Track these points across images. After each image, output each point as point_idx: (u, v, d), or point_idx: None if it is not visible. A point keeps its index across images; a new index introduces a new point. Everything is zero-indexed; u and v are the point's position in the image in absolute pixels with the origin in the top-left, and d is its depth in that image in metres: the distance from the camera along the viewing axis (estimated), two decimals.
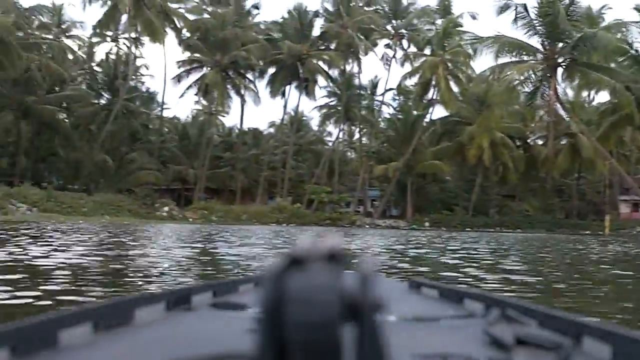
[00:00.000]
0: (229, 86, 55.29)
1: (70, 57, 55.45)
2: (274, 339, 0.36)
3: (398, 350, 0.56)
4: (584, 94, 47.94)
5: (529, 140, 52.56)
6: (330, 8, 56.47)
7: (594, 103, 51.25)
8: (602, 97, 52.14)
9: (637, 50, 43.30)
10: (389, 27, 57.58)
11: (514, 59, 45.41)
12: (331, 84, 57.04)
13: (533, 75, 45.18)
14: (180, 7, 55.21)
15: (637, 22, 42.20)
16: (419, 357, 0.67)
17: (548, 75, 44.20)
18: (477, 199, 49.01)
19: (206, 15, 56.46)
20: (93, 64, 56.70)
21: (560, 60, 43.72)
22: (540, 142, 52.61)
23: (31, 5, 49.76)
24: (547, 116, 48.30)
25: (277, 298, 0.37)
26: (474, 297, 1.14)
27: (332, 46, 56.68)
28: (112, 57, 54.57)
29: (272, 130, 63.69)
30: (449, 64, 51.01)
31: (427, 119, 53.50)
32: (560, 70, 44.13)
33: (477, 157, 47.32)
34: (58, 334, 0.75)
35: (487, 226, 45.59)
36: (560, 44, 43.76)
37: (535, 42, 45.02)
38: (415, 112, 53.24)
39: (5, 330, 0.69)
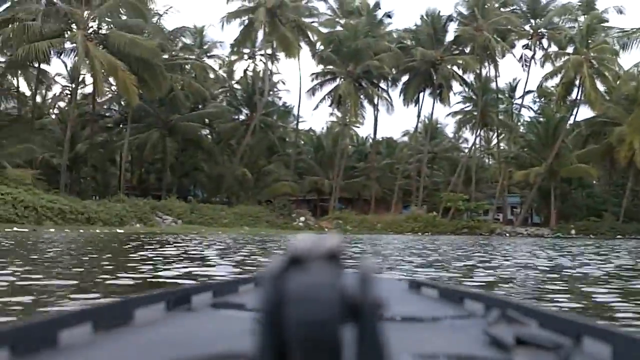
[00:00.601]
0: (362, 96, 58.07)
1: (212, 75, 60.83)
2: (274, 338, 0.38)
3: (398, 350, 0.58)
4: None
5: None
6: (465, 11, 57.57)
7: None
8: None
9: None
10: (527, 27, 57.75)
11: None
12: (466, 89, 58.03)
13: None
14: (313, 22, 58.86)
15: None
16: (419, 357, 0.68)
17: None
18: (628, 204, 47.65)
19: (339, 28, 59.50)
20: (232, 82, 61.83)
21: None
22: None
23: (175, 27, 54.92)
24: None
25: (277, 297, 0.38)
26: (474, 297, 1.20)
27: (467, 50, 57.63)
28: (250, 73, 59.25)
29: (405, 138, 65.83)
30: (594, 62, 50.19)
31: (570, 121, 52.87)
32: None
33: (628, 159, 46.17)
34: (58, 334, 0.77)
35: (638, 233, 44.26)
36: None
37: None
38: (557, 114, 52.73)
39: (5, 330, 0.72)
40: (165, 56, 50.71)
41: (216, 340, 0.82)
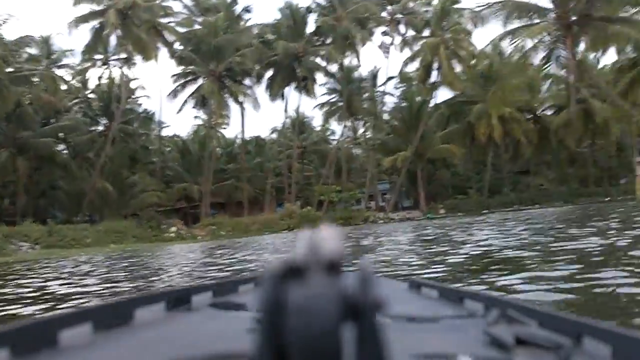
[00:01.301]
0: (226, 95, 58.32)
1: (64, 87, 58.98)
2: (272, 344, 0.39)
3: (398, 350, 0.60)
4: (590, 56, 49.19)
5: (537, 112, 54.06)
6: (323, 2, 59.05)
7: (600, 65, 52.48)
8: (608, 58, 52.59)
9: None
10: (384, 14, 60.02)
11: (523, 23, 47.23)
12: (331, 80, 59.60)
13: (547, 38, 46.40)
14: (170, 22, 58.45)
15: None
16: (418, 357, 0.70)
17: (562, 35, 45.83)
18: (490, 179, 51.02)
19: (197, 26, 59.36)
20: (87, 91, 60.35)
21: (574, 17, 45.24)
22: (549, 112, 54.04)
23: (17, 37, 52.70)
24: (568, 77, 48.73)
25: (276, 305, 0.39)
26: (474, 297, 1.22)
27: (328, 41, 59.17)
28: (105, 81, 58.09)
29: (274, 135, 66.94)
30: (450, 43, 53.01)
31: (432, 103, 55.58)
32: (575, 29, 45.50)
33: (487, 135, 49.24)
34: (58, 334, 0.79)
35: (504, 205, 47.71)
36: (573, 0, 45.29)
37: (546, 1, 47.19)
38: (419, 98, 55.32)
39: (5, 330, 0.73)
40: (9, 69, 48.81)
41: (216, 340, 0.84)
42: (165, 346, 0.81)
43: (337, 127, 60.63)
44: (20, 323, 0.76)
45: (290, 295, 0.39)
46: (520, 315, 0.93)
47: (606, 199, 44.70)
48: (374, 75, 60.79)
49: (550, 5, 46.21)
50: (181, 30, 59.23)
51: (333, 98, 60.50)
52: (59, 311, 0.84)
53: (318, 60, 59.47)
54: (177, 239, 47.86)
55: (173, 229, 50.74)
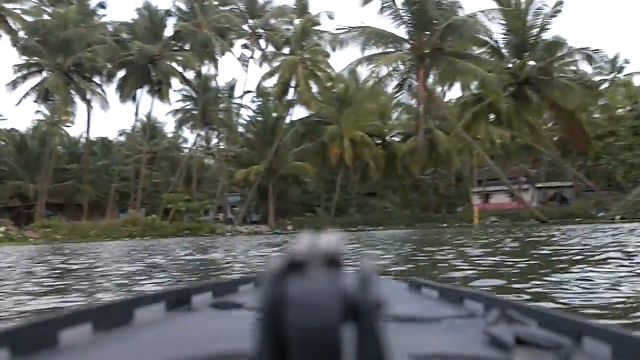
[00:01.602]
0: (72, 91, 55.92)
1: None
2: (273, 341, 0.39)
3: (398, 350, 0.57)
4: (438, 89, 52.85)
5: (387, 138, 57.08)
6: (184, 7, 58.58)
7: (447, 98, 56.62)
8: (454, 92, 56.67)
9: (496, 41, 48.90)
10: (245, 27, 60.73)
11: (381, 50, 49.29)
12: (187, 87, 59.02)
13: (402, 67, 48.98)
14: (15, 8, 55.05)
15: (494, 8, 47.24)
16: (418, 357, 0.70)
17: (415, 66, 48.24)
18: (338, 199, 53.06)
19: (46, 17, 56.49)
20: None
21: (427, 50, 47.72)
22: (397, 139, 57.29)
23: None
24: (418, 107, 51.35)
25: (276, 301, 0.40)
26: (474, 297, 1.22)
27: (187, 47, 58.66)
28: None
29: (122, 138, 64.84)
30: (308, 63, 54.48)
31: (288, 120, 56.77)
32: (427, 61, 47.91)
33: (339, 156, 51.09)
34: (58, 334, 0.80)
35: (349, 225, 49.61)
36: (428, 33, 47.84)
37: (403, 32, 49.04)
38: (275, 114, 56.28)
39: (5, 330, 0.73)
40: None
41: (216, 340, 0.83)
42: (165, 346, 0.82)
43: (190, 135, 60.01)
44: (20, 323, 0.77)
45: (290, 290, 0.40)
46: (520, 315, 0.96)
47: (443, 225, 48.05)
48: (231, 87, 61.22)
49: (406, 36, 48.83)
50: (28, 18, 56.04)
51: (187, 105, 60.11)
52: (59, 311, 0.92)
53: (174, 65, 58.76)
54: (5, 240, 44.94)
55: (2, 229, 47.54)
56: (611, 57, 61.29)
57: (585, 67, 52.59)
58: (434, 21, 46.65)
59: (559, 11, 48.33)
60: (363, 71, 50.44)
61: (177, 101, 60.53)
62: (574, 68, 52.03)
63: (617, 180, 49.04)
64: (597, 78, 58.45)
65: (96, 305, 0.96)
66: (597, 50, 50.21)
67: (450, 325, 0.99)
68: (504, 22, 48.41)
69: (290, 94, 56.37)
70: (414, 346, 0.79)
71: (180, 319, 1.05)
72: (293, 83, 55.26)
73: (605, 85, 61.14)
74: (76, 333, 0.83)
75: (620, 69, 63.70)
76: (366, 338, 0.40)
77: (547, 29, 48.90)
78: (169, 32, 59.34)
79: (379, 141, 56.01)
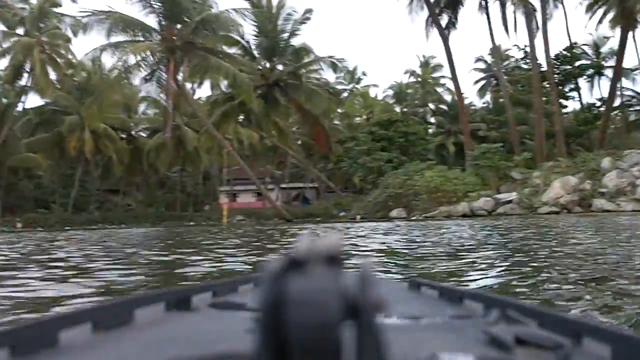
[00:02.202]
0: None
1: None
2: (273, 340, 0.39)
3: (397, 350, 0.59)
4: (188, 85, 51.80)
5: (132, 133, 54.74)
6: None
7: (197, 96, 56.03)
8: (204, 90, 55.98)
9: (248, 41, 49.05)
10: None
11: (128, 38, 45.91)
12: None
13: (151, 58, 46.10)
14: None
15: (247, 8, 47.17)
16: (418, 357, 0.70)
17: (166, 58, 45.49)
18: (76, 195, 49.40)
19: None
20: None
21: (179, 42, 45.31)
22: (143, 134, 55.28)
23: None
24: (166, 103, 49.14)
25: (276, 299, 0.39)
26: (473, 297, 1.22)
27: None
28: None
29: None
30: (46, 47, 50.10)
31: (20, 108, 51.67)
32: (178, 54, 45.31)
33: (78, 149, 47.55)
34: (58, 334, 0.79)
35: (89, 223, 46.61)
36: (180, 25, 45.66)
37: (154, 21, 46.13)
38: (5, 100, 50.84)
39: (5, 330, 0.73)
40: None
41: (216, 340, 0.84)
42: (165, 346, 0.82)
43: None
44: (20, 323, 0.77)
45: (290, 289, 0.40)
46: (520, 315, 0.95)
47: (191, 224, 47.07)
48: None
49: (156, 26, 46.17)
50: None
51: None
52: (59, 311, 0.77)
53: None
54: None
55: None
56: (351, 69, 65.77)
57: (328, 75, 55.60)
58: (187, 14, 45.26)
59: (308, 19, 50.24)
60: (108, 59, 47.46)
61: None
62: (318, 76, 54.67)
63: (355, 182, 52.36)
64: (338, 87, 62.20)
65: (96, 305, 0.97)
66: (342, 59, 53.29)
67: (449, 325, 1.00)
68: (256, 23, 48.91)
69: (24, 79, 51.36)
70: (413, 346, 0.80)
71: (180, 319, 1.06)
72: (28, 67, 50.42)
73: (345, 94, 65.34)
74: (76, 333, 0.83)
75: (359, 81, 68.71)
76: (366, 337, 0.40)
77: (297, 34, 50.46)
78: None
79: (124, 135, 53.33)
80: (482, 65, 67.47)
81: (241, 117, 51.66)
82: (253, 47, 50.33)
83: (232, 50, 49.50)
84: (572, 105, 59.54)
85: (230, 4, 72.72)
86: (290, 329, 0.38)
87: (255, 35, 49.68)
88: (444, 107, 64.95)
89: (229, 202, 54.16)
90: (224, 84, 48.73)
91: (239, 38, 49.43)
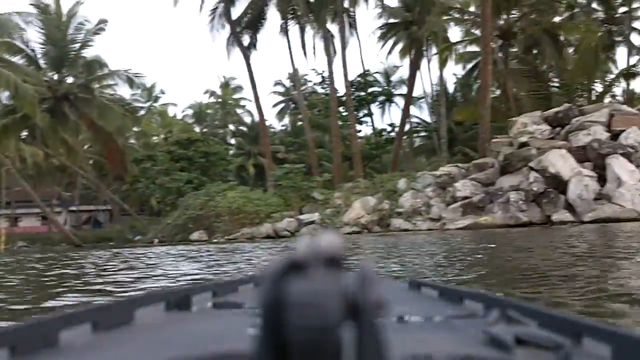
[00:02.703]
0: None
1: None
2: (273, 341, 0.39)
3: (397, 350, 0.60)
4: None
5: None
6: None
7: None
8: None
9: (33, 49, 44.61)
10: None
11: None
12: None
13: None
14: None
15: (33, 13, 42.94)
16: (418, 357, 0.69)
17: None
18: None
19: None
20: None
21: None
22: None
23: None
24: None
25: (276, 301, 0.39)
26: (473, 297, 1.22)
27: None
28: None
29: None
30: None
31: None
32: None
33: None
34: (58, 334, 0.79)
35: None
36: None
37: None
38: None
39: (5, 330, 0.73)
40: None
41: (216, 340, 0.84)
42: (165, 346, 0.82)
43: None
44: (20, 323, 0.77)
45: (291, 290, 0.40)
46: (520, 315, 0.95)
47: None
48: None
49: None
50: None
51: None
52: (59, 311, 0.85)
53: None
54: None
55: None
56: (149, 86, 63.10)
57: (124, 91, 52.57)
58: None
59: (103, 29, 46.90)
60: None
61: None
62: (112, 92, 51.54)
63: (152, 204, 49.72)
64: (135, 104, 59.24)
65: (96, 305, 0.98)
66: (139, 74, 50.65)
67: (450, 325, 1.00)
68: (43, 30, 44.78)
69: None
70: (414, 346, 0.80)
71: (180, 319, 1.09)
72: None
73: (142, 112, 62.43)
74: (76, 333, 0.84)
75: (157, 99, 66.13)
76: (366, 338, 0.40)
77: (90, 45, 46.86)
78: None
79: None
80: (281, 88, 68.26)
81: (25, 132, 46.98)
82: (39, 56, 46.01)
83: (15, 59, 44.87)
84: (364, 130, 62.27)
85: (12, 6, 66.50)
86: (291, 331, 0.38)
87: (42, 44, 45.49)
88: (244, 128, 64.66)
89: (8, 227, 48.78)
90: (4, 95, 43.86)
91: (22, 45, 45.02)
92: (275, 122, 69.95)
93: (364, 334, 0.40)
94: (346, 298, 0.40)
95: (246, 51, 46.92)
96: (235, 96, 68.48)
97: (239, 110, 68.20)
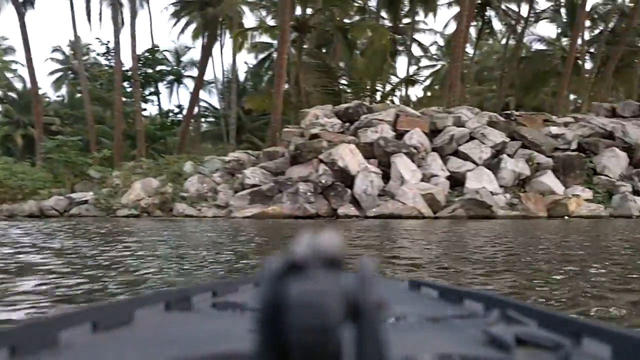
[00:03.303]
0: None
1: None
2: (273, 341, 0.39)
3: (397, 350, 0.60)
4: None
5: None
6: None
7: None
8: None
9: None
10: None
11: None
12: None
13: None
14: None
15: None
16: (418, 357, 0.69)
17: None
18: None
19: None
20: None
21: None
22: None
23: None
24: None
25: (276, 301, 0.39)
26: (474, 297, 1.22)
27: None
28: None
29: None
30: None
31: None
32: None
33: None
34: (58, 334, 0.79)
35: None
36: None
37: None
38: None
39: (5, 330, 0.72)
40: None
41: (216, 340, 0.83)
42: (165, 346, 0.81)
43: None
44: (20, 323, 0.77)
45: (290, 290, 0.39)
46: (520, 315, 0.95)
47: None
48: None
49: None
50: None
51: None
52: (59, 311, 0.82)
53: None
54: None
55: None
56: None
57: None
58: None
59: None
60: None
61: None
62: None
63: None
64: None
65: (96, 305, 0.97)
66: None
67: (449, 325, 1.00)
68: None
69: None
70: (413, 346, 0.80)
71: (180, 319, 1.08)
72: None
73: None
74: (76, 333, 0.83)
75: None
76: (366, 338, 0.40)
77: None
78: None
79: None
80: (59, 56, 62.56)
81: None
82: None
83: None
84: (150, 109, 59.18)
85: None
86: (291, 331, 0.38)
87: None
88: (14, 95, 58.19)
89: None
90: None
91: None
92: (50, 92, 64.20)
93: (364, 334, 0.40)
94: (346, 298, 0.40)
95: (20, 8, 41.93)
96: (6, 58, 61.48)
97: (8, 75, 61.24)
